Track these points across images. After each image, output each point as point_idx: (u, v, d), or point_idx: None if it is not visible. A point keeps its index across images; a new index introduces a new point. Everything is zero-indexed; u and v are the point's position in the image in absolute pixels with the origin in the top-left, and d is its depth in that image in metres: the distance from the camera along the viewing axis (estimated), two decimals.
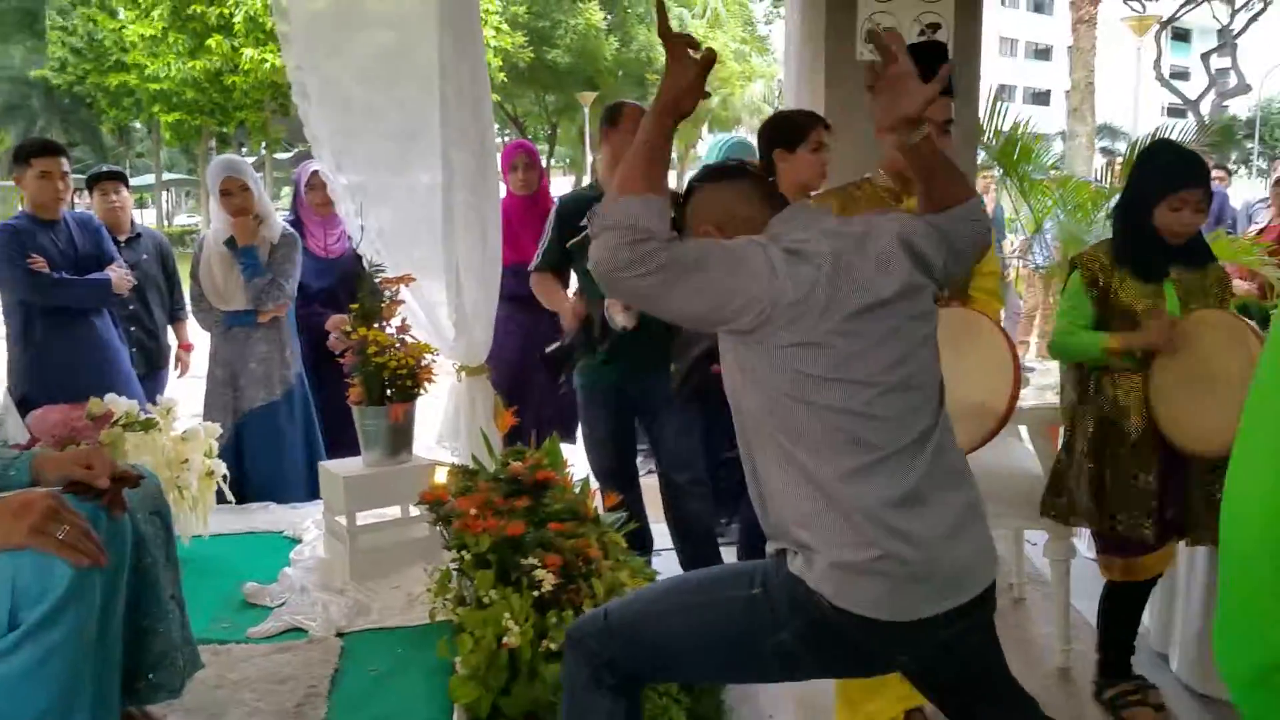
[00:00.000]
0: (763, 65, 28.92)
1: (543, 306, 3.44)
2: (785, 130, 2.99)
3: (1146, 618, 2.95)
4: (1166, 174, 2.56)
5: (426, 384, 3.09)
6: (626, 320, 3.04)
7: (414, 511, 3.04)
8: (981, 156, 5.36)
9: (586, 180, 17.48)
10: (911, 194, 2.47)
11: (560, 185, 4.08)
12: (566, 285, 3.47)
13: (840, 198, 2.64)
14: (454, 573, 2.54)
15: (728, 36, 26.13)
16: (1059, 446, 2.80)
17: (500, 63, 21.88)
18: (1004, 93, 11.24)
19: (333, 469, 3.09)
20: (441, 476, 2.92)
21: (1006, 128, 5.50)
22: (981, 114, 5.01)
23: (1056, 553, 3.05)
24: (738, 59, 27.51)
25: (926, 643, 1.65)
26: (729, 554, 3.42)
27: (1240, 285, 4.67)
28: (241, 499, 3.63)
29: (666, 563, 3.28)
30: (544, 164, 4.36)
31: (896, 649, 1.67)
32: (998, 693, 1.81)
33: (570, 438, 4.05)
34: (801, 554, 1.64)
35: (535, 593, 2.34)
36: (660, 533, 3.46)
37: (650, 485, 3.51)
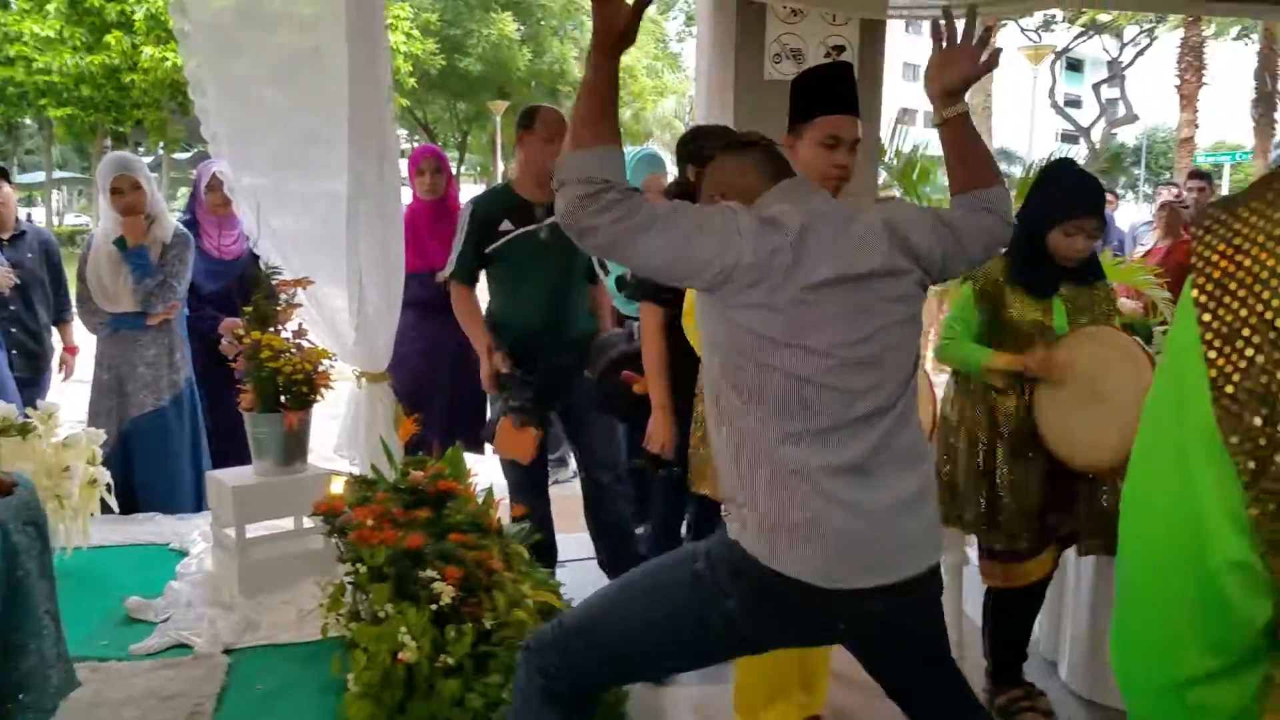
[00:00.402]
0: (675, 81, 29.24)
1: (446, 312, 3.33)
2: (702, 146, 3.00)
3: (1036, 626, 3.02)
4: (1065, 199, 2.60)
5: (324, 390, 3.01)
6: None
7: (308, 523, 2.95)
8: (883, 176, 5.48)
9: None
10: None
11: (469, 193, 4.05)
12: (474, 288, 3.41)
13: None
14: (348, 587, 2.47)
15: (640, 53, 26.30)
16: (944, 456, 2.85)
17: (410, 68, 21.57)
18: (906, 116, 11.58)
19: (221, 478, 2.99)
20: (338, 487, 2.84)
21: (907, 149, 5.65)
22: (884, 135, 5.14)
23: (948, 559, 3.11)
24: (650, 75, 27.76)
25: (862, 614, 1.68)
26: None
27: (1126, 304, 4.86)
28: (129, 509, 3.49)
29: (572, 574, 3.25)
30: (454, 171, 4.30)
31: (832, 617, 1.70)
32: (937, 674, 1.85)
33: (475, 447, 3.99)
34: (737, 515, 1.68)
35: (434, 606, 2.29)
36: (565, 544, 3.43)
37: (557, 496, 3.48)
